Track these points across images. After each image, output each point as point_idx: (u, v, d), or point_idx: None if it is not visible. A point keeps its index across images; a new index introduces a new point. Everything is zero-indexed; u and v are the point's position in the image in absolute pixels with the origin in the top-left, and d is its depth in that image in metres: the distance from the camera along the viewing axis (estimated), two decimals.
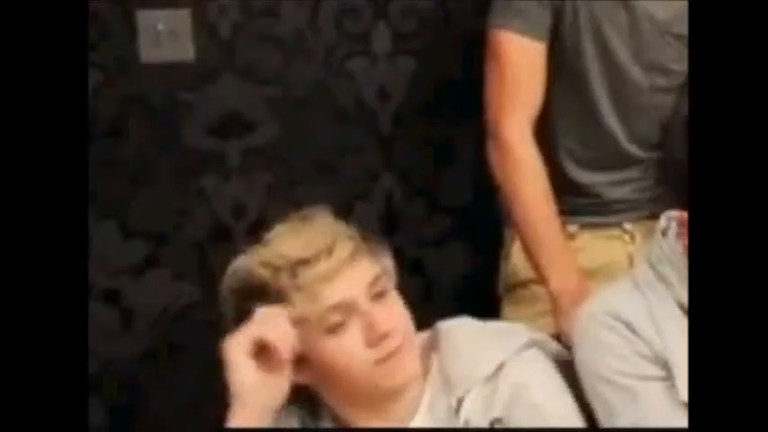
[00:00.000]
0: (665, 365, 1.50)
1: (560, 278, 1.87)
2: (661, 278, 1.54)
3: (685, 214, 1.46)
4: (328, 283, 1.45)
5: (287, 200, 2.22)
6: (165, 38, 2.13)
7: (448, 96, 2.28)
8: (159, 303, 2.24)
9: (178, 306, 2.25)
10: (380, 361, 1.46)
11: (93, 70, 2.11)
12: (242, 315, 1.48)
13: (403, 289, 1.55)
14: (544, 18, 1.92)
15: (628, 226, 2.03)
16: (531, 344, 1.56)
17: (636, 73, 1.94)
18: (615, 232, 2.04)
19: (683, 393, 1.46)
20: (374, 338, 1.45)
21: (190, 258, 2.23)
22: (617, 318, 1.52)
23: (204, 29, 2.17)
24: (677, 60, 1.95)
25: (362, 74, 2.26)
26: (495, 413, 1.49)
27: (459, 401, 1.50)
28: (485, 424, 1.49)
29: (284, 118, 2.22)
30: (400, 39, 2.27)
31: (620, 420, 1.50)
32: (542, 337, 1.61)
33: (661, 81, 1.96)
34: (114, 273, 2.21)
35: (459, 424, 1.49)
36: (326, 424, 1.54)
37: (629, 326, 1.51)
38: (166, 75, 2.16)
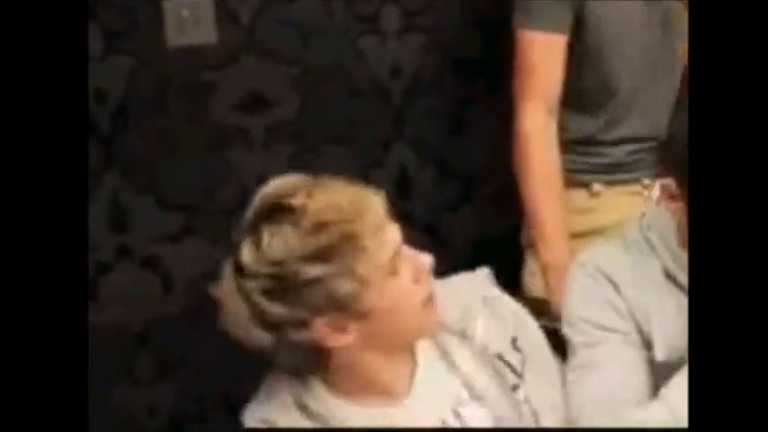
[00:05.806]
0: (636, 324, 1.57)
1: (551, 255, 2.00)
2: (648, 243, 1.61)
3: (667, 181, 1.50)
4: (385, 230, 1.52)
5: (307, 170, 2.36)
6: (190, 23, 2.20)
7: (456, 69, 2.35)
8: (196, 268, 2.28)
9: (213, 270, 2.37)
10: (425, 301, 1.55)
11: (126, 57, 2.18)
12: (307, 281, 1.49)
13: None
14: (564, 14, 2.00)
15: (647, 181, 2.12)
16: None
17: (665, 60, 2.00)
18: (636, 188, 2.13)
19: (660, 355, 1.55)
20: (421, 274, 1.54)
21: (221, 226, 2.23)
22: (601, 270, 1.60)
23: (226, 14, 2.23)
24: None
25: (374, 51, 2.32)
26: (511, 333, 1.61)
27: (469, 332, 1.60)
28: (506, 343, 1.60)
29: (303, 95, 2.30)
30: (409, 16, 2.32)
31: (576, 358, 1.59)
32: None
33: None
34: (154, 241, 2.29)
35: (477, 345, 1.59)
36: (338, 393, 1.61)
37: (610, 279, 1.59)
38: (192, 57, 2.22)
